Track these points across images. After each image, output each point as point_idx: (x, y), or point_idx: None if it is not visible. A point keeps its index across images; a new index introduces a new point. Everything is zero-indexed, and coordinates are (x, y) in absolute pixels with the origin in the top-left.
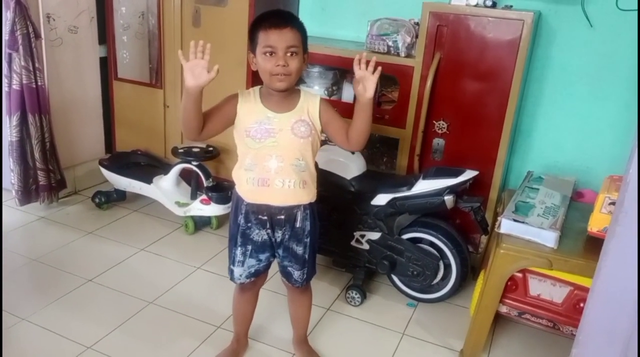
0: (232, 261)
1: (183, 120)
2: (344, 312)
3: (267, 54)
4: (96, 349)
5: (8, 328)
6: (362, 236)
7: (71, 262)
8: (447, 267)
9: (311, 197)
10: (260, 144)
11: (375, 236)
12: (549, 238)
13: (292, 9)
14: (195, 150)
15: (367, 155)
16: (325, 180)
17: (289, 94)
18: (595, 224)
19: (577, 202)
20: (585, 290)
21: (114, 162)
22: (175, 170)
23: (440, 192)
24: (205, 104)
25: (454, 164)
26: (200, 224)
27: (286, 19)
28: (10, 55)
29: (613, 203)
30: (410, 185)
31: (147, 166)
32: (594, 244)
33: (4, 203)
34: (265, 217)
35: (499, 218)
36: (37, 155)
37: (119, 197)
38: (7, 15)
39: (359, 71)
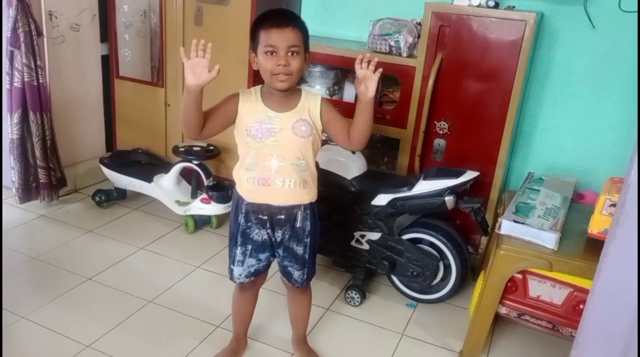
0: (232, 260)
1: (183, 119)
2: (344, 313)
3: (268, 54)
4: (95, 348)
5: (7, 326)
6: (362, 236)
7: (71, 260)
8: (447, 267)
9: (312, 197)
10: (261, 144)
11: (375, 236)
12: (549, 239)
13: (295, 7)
14: (196, 149)
15: (367, 156)
16: (326, 180)
17: (290, 93)
18: (596, 225)
19: (578, 203)
20: (585, 292)
21: (115, 160)
22: (176, 169)
23: (440, 193)
24: (206, 103)
25: (454, 164)
26: (201, 223)
27: (288, 18)
28: (12, 52)
29: (614, 205)
30: (411, 185)
31: (147, 165)
32: (594, 246)
33: (4, 201)
34: (266, 217)
35: (499, 219)
36: (37, 153)
37: (119, 195)
38: (9, 13)
39: (360, 71)
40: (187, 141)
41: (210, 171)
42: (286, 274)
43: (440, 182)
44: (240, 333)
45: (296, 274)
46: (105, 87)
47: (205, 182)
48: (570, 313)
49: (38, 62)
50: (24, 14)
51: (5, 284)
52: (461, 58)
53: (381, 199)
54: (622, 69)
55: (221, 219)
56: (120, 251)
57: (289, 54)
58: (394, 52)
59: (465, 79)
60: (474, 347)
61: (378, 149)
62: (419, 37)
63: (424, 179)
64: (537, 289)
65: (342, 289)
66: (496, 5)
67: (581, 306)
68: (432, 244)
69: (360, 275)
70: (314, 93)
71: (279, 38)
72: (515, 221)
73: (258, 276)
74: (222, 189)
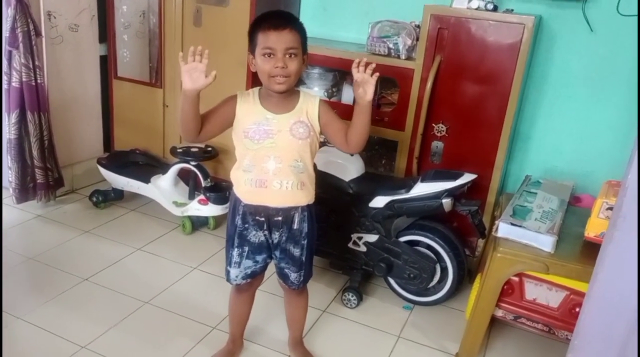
0: (228, 261)
1: (181, 122)
2: (340, 315)
3: (266, 56)
4: (91, 349)
5: (3, 327)
6: (360, 238)
7: (67, 261)
8: (444, 270)
9: (309, 199)
10: (258, 145)
11: (372, 238)
12: (546, 242)
13: (294, 9)
14: (193, 150)
15: (365, 158)
16: (324, 182)
17: (288, 95)
18: (593, 229)
19: (575, 206)
20: (582, 295)
21: (112, 161)
22: (174, 170)
23: (438, 195)
24: (204, 104)
25: (452, 167)
26: (198, 224)
27: (286, 20)
28: (10, 52)
29: (610, 208)
30: (409, 187)
31: (145, 166)
32: (590, 249)
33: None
34: (263, 219)
35: (496, 222)
36: (35, 153)
37: (117, 196)
38: (8, 13)
39: (357, 74)
40: (185, 142)
41: (207, 172)
42: (283, 275)
43: (438, 185)
44: (237, 335)
45: (293, 276)
46: (104, 87)
47: (203, 183)
48: (567, 316)
49: (36, 62)
50: (22, 14)
51: (2, 285)
52: (460, 61)
53: (379, 201)
54: (620, 72)
55: (218, 220)
56: (117, 252)
57: (287, 56)
58: (393, 54)
59: (463, 82)
60: (470, 349)
61: (376, 151)
62: (417, 39)
63: (422, 181)
64: (533, 292)
65: (339, 291)
66: (495, 9)
67: (577, 309)
68: (429, 247)
69: (357, 277)
70: (313, 95)
71: (276, 40)
72: (512, 224)
73: (255, 277)
74: (220, 190)
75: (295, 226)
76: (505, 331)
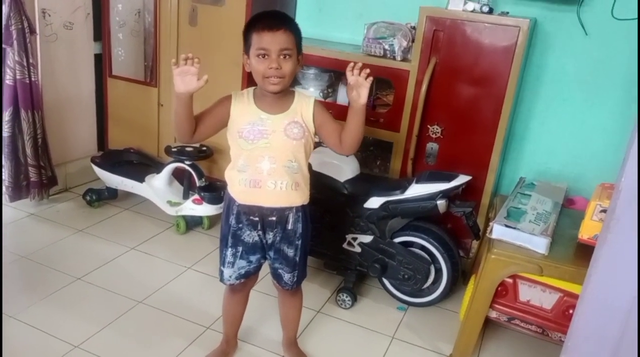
0: (222, 261)
1: (175, 124)
2: (334, 315)
3: (260, 56)
4: (84, 348)
5: None
6: (354, 239)
7: (60, 260)
8: (438, 271)
9: (304, 199)
10: (252, 145)
11: (367, 239)
12: (539, 244)
13: (289, 9)
14: (188, 149)
15: (360, 158)
16: (319, 182)
17: (283, 95)
18: (586, 231)
19: (569, 209)
20: (575, 297)
21: (106, 159)
22: (168, 169)
23: (433, 197)
24: (200, 105)
25: (447, 168)
26: (192, 224)
27: (280, 21)
28: (4, 50)
29: (604, 211)
30: (404, 189)
31: (139, 165)
32: (584, 251)
33: None
34: (257, 218)
35: (490, 223)
36: (28, 151)
37: (111, 195)
38: (3, 10)
39: (351, 77)
40: (180, 142)
41: (202, 172)
42: (276, 276)
43: (433, 186)
44: (231, 335)
45: (286, 276)
46: (98, 86)
47: (198, 183)
48: (560, 318)
49: (30, 60)
50: (17, 11)
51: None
52: (455, 63)
53: (373, 202)
54: (614, 75)
55: (213, 220)
56: (110, 251)
57: (281, 57)
58: (388, 55)
59: (458, 84)
60: (464, 350)
61: (371, 152)
62: (413, 41)
63: (417, 182)
64: (527, 293)
65: (333, 292)
66: (490, 11)
67: (571, 311)
68: (423, 248)
69: (352, 278)
70: (307, 95)
71: (271, 41)
72: (506, 226)
73: (248, 277)
74: (214, 190)
75: (290, 227)
76: (499, 332)
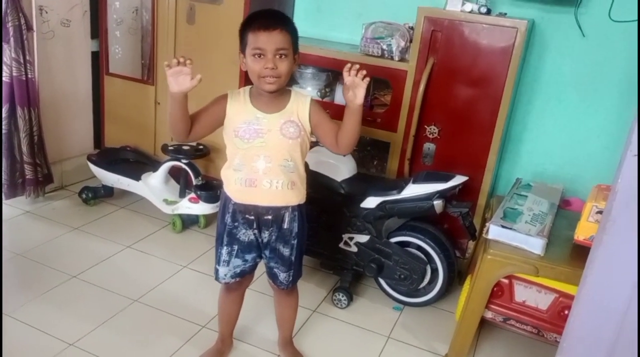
0: (217, 260)
1: (170, 123)
2: (330, 315)
3: (256, 56)
4: (79, 346)
5: None
6: (351, 239)
7: (56, 257)
8: (434, 271)
9: (300, 199)
10: (248, 145)
11: (363, 238)
12: (536, 245)
13: (288, 8)
14: (185, 148)
15: (357, 158)
16: (316, 181)
17: (279, 94)
18: (582, 232)
19: (565, 210)
20: (571, 297)
21: (103, 157)
22: (165, 167)
23: (429, 197)
24: (197, 104)
25: (444, 168)
26: (188, 222)
27: (276, 20)
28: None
29: (600, 212)
30: (400, 189)
31: (136, 163)
32: (580, 252)
33: None
34: (252, 217)
35: (487, 224)
36: (24, 148)
37: (107, 193)
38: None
39: (348, 78)
40: (176, 141)
41: (199, 170)
42: (272, 275)
43: (430, 186)
44: (226, 334)
45: (282, 275)
46: (95, 83)
47: (194, 182)
48: (555, 318)
49: (27, 57)
50: (13, 8)
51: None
52: (452, 63)
53: (370, 202)
54: (611, 77)
55: (209, 219)
56: (106, 249)
57: (277, 56)
58: (386, 55)
59: (456, 84)
60: (460, 350)
61: (368, 152)
62: (411, 41)
63: (413, 182)
64: (523, 294)
65: (330, 291)
66: (488, 12)
67: (566, 312)
68: (419, 248)
69: (348, 277)
70: (304, 94)
71: (266, 41)
72: (502, 226)
73: (244, 277)
74: (211, 189)
75: (286, 226)
76: (494, 332)
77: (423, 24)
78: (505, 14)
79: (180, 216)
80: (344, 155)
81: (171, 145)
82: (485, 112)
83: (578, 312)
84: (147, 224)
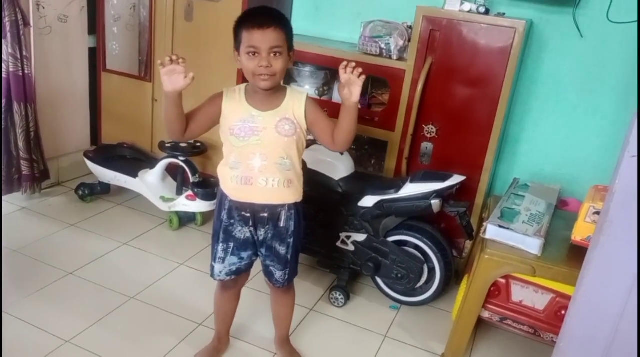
0: (213, 257)
1: (166, 122)
2: (327, 313)
3: (251, 54)
4: (74, 343)
5: None
6: (348, 237)
7: (52, 254)
8: (431, 270)
9: (297, 197)
10: (244, 143)
11: (361, 237)
12: (533, 245)
13: (286, 7)
14: (182, 145)
15: (355, 157)
16: (313, 180)
17: (274, 92)
18: (579, 232)
19: (562, 210)
20: (567, 298)
21: (100, 154)
22: (162, 165)
23: (427, 196)
24: (194, 101)
25: (441, 168)
26: (185, 220)
27: (270, 18)
28: None
29: (597, 213)
30: (398, 188)
31: (133, 160)
32: (577, 253)
33: None
34: (248, 214)
35: (484, 224)
36: (21, 144)
37: (103, 190)
38: None
39: (344, 75)
40: (172, 140)
41: (196, 168)
42: (268, 273)
43: (427, 186)
44: (223, 332)
45: (278, 274)
46: (92, 80)
47: (191, 179)
48: (552, 319)
49: (24, 53)
50: (10, 3)
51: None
52: (451, 63)
53: (368, 201)
54: (608, 78)
55: (206, 217)
56: (102, 246)
57: (272, 54)
58: (384, 54)
59: (454, 84)
60: (456, 350)
61: (366, 151)
62: (409, 40)
63: (411, 182)
64: (519, 294)
65: (326, 290)
66: (487, 12)
67: (563, 312)
68: (417, 247)
69: (345, 276)
70: (300, 91)
71: (260, 39)
72: (500, 226)
73: (239, 274)
74: (208, 186)
75: (282, 224)
76: (491, 332)
77: (421, 23)
78: (504, 14)
79: (177, 213)
80: (342, 153)
81: (168, 143)
82: (483, 112)
83: (575, 313)
84: (144, 221)
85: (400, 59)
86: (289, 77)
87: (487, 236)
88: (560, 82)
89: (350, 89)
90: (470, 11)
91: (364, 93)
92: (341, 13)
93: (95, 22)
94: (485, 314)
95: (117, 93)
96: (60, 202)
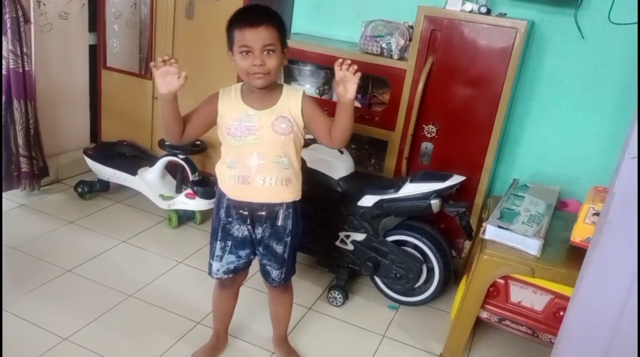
0: (211, 254)
1: (163, 125)
2: (326, 313)
3: (244, 53)
4: (73, 341)
5: None
6: (347, 237)
7: (50, 251)
8: (430, 270)
9: (295, 196)
10: (241, 142)
11: (360, 237)
12: (532, 246)
13: (287, 6)
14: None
15: (355, 156)
16: (313, 179)
17: (270, 90)
18: (579, 233)
19: (561, 211)
20: (566, 299)
21: (99, 152)
22: (161, 162)
23: (427, 196)
24: (195, 99)
25: (441, 168)
26: (184, 218)
27: (262, 16)
28: None
29: (597, 214)
30: (398, 187)
31: (132, 157)
32: (576, 254)
33: None
34: (246, 213)
35: (483, 224)
36: (20, 141)
37: (102, 187)
38: None
39: (339, 72)
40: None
41: (196, 166)
42: (264, 272)
43: (427, 186)
44: (221, 330)
45: (274, 273)
46: (92, 77)
47: (191, 177)
48: (551, 320)
49: (24, 49)
50: (11, 0)
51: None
52: (452, 63)
53: (367, 200)
54: (609, 79)
55: (205, 215)
56: (101, 244)
57: (265, 52)
58: (385, 54)
59: (454, 84)
60: (455, 350)
61: (365, 150)
62: (410, 40)
63: (411, 181)
64: (518, 294)
65: (325, 289)
66: (488, 12)
67: (561, 313)
68: (416, 247)
69: (344, 275)
70: (296, 88)
71: (253, 38)
72: (499, 227)
73: (237, 273)
74: (208, 185)
75: (279, 223)
76: (489, 332)
77: (423, 23)
78: (505, 14)
79: (176, 211)
80: (341, 152)
81: (168, 141)
82: (484, 112)
83: (573, 314)
84: (143, 219)
85: (401, 58)
86: (289, 76)
87: (487, 236)
88: (561, 82)
89: (345, 86)
90: (471, 11)
91: (364, 92)
92: (342, 12)
93: (95, 20)
94: (484, 315)
95: (117, 90)
96: (60, 199)
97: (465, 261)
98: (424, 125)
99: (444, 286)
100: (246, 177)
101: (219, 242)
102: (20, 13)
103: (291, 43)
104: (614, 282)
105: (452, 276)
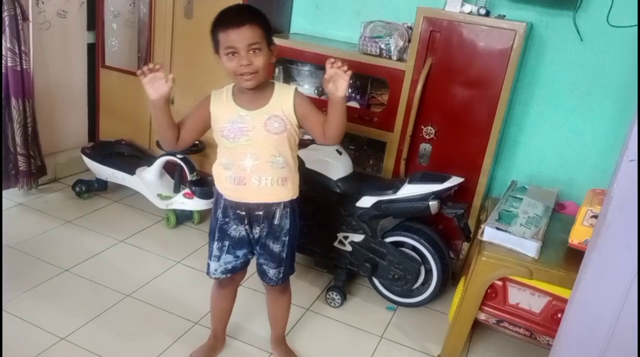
0: (209, 255)
1: (158, 132)
2: (323, 313)
3: (230, 55)
4: (70, 341)
5: None
6: (345, 238)
7: (48, 251)
8: (428, 272)
9: (292, 195)
10: (234, 143)
11: (358, 238)
12: (530, 248)
13: (286, 5)
14: None
15: (353, 157)
16: (311, 179)
17: (261, 89)
18: (577, 236)
19: (559, 213)
20: (564, 301)
21: (97, 151)
22: (159, 162)
23: (425, 197)
24: (194, 99)
25: (439, 169)
26: (182, 218)
27: (244, 15)
28: None
29: (595, 216)
30: (396, 189)
31: (130, 157)
32: (574, 256)
33: None
34: (243, 213)
35: (482, 226)
36: (18, 140)
37: (100, 187)
38: None
39: (330, 70)
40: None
41: (194, 166)
42: (261, 272)
43: (425, 187)
44: (219, 330)
45: (271, 272)
46: (90, 76)
47: (189, 177)
48: (548, 321)
49: (22, 48)
50: None
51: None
52: (450, 64)
53: (366, 201)
54: (607, 82)
55: (203, 215)
56: (99, 243)
57: (251, 52)
58: (384, 55)
59: (453, 85)
60: (452, 352)
61: (364, 151)
62: (409, 41)
63: (409, 183)
64: (516, 296)
65: (323, 290)
66: (487, 14)
67: (559, 315)
68: (414, 248)
69: (342, 276)
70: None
71: (237, 38)
72: (497, 228)
73: (235, 273)
74: (206, 185)
75: (276, 222)
76: (487, 334)
77: (422, 24)
78: (504, 16)
79: (174, 211)
80: (340, 153)
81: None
82: (482, 113)
83: (571, 316)
84: (141, 218)
85: (400, 59)
86: (288, 76)
87: (485, 238)
88: (560, 85)
89: (336, 83)
90: (470, 13)
91: (363, 93)
92: (341, 12)
93: (94, 18)
94: (482, 316)
95: (115, 89)
96: (57, 198)
97: (463, 263)
98: (422, 127)
99: (442, 288)
100: (242, 178)
101: (216, 243)
102: (18, 11)
103: (290, 43)
104: (612, 284)
105: (450, 277)
